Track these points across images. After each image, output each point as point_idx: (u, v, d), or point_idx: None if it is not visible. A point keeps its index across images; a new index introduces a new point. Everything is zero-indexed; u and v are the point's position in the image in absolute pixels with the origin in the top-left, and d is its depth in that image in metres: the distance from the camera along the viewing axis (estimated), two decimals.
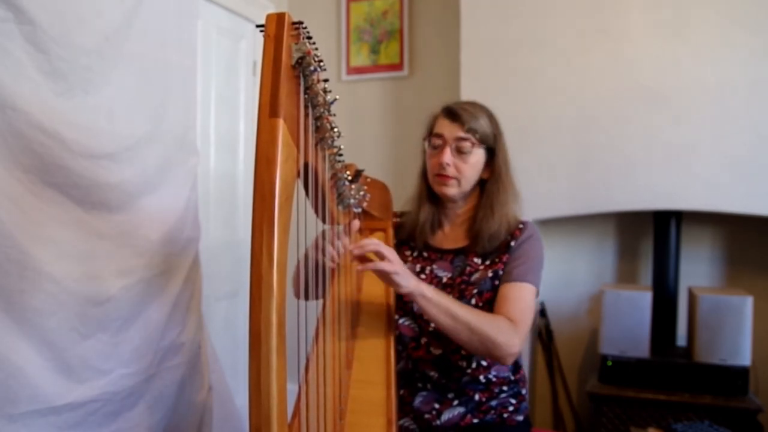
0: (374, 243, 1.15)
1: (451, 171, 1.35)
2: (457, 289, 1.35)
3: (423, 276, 1.39)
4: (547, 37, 2.36)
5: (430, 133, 1.40)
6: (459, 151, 1.35)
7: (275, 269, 0.70)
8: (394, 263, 1.14)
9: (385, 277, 1.15)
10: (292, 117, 0.77)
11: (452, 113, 1.37)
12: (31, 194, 1.24)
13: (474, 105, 1.41)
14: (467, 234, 1.40)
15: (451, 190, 1.37)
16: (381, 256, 1.14)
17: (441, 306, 1.18)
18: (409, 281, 1.16)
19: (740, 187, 2.14)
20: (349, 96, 2.94)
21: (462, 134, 1.34)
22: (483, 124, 1.36)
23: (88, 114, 1.35)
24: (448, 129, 1.36)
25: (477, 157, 1.37)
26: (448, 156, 1.34)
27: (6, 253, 1.18)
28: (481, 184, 1.42)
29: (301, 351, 0.95)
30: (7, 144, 1.19)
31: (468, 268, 1.36)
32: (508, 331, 1.22)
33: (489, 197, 1.38)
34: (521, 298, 1.28)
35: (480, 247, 1.36)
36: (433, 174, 1.39)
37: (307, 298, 1.23)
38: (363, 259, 1.17)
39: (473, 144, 1.35)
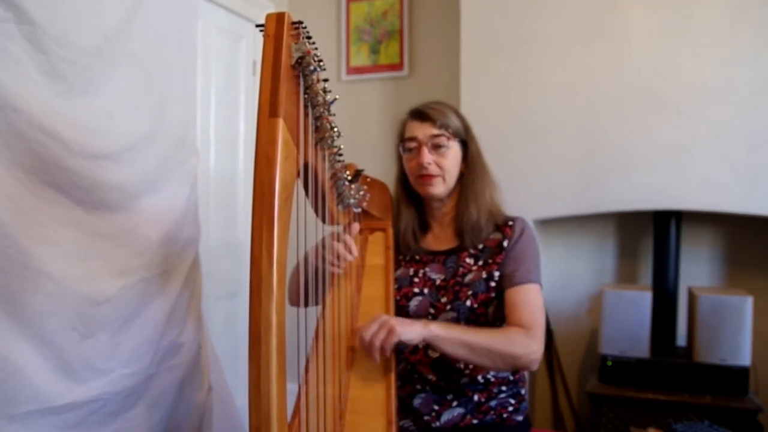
0: (371, 344, 1.13)
1: (433, 169, 1.36)
2: (452, 290, 1.35)
3: (417, 279, 1.39)
4: (547, 37, 2.36)
5: (403, 139, 1.41)
6: (436, 148, 1.36)
7: (275, 269, 0.70)
8: (393, 331, 1.12)
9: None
10: (291, 117, 0.77)
11: (421, 114, 1.38)
12: (31, 194, 1.24)
13: (438, 103, 1.42)
14: (456, 233, 1.41)
15: (438, 189, 1.38)
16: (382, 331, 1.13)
17: (455, 340, 1.19)
18: (416, 331, 1.15)
19: (740, 187, 2.14)
20: (349, 96, 2.94)
21: (435, 131, 1.35)
22: (453, 119, 1.38)
23: (88, 114, 1.35)
24: (420, 130, 1.37)
25: (454, 150, 1.38)
26: (427, 156, 1.35)
27: (6, 253, 1.18)
28: (461, 179, 1.42)
29: (301, 351, 0.95)
30: (7, 144, 1.19)
31: (461, 269, 1.36)
32: (524, 340, 1.23)
33: (466, 189, 1.39)
34: (529, 301, 1.29)
35: (468, 241, 1.37)
36: (415, 176, 1.39)
37: (306, 305, 1.23)
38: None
39: (448, 138, 1.36)
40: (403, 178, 1.45)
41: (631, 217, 2.54)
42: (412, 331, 1.15)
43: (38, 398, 1.25)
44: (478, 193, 1.38)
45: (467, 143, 1.40)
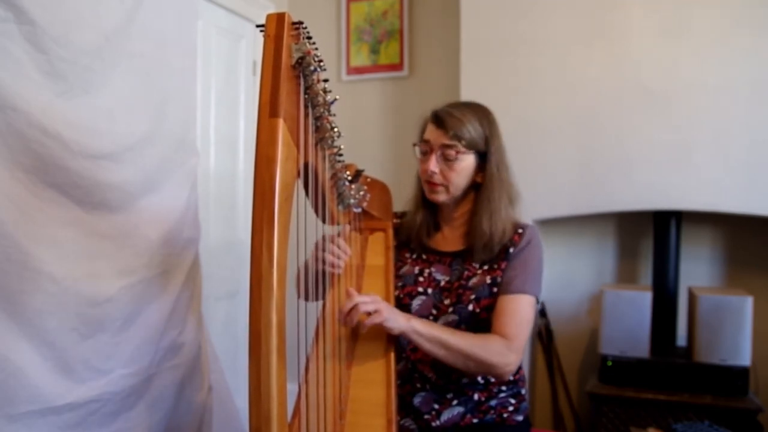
0: (355, 308, 1.14)
1: (437, 178, 1.34)
2: (455, 293, 1.34)
3: (422, 278, 1.39)
4: (547, 37, 2.36)
5: (420, 139, 1.40)
6: (445, 158, 1.33)
7: (275, 269, 0.70)
8: (381, 312, 1.16)
9: (378, 325, 1.18)
10: (292, 117, 0.77)
11: (438, 119, 1.35)
12: (31, 194, 1.24)
13: (464, 108, 1.37)
14: (465, 238, 1.40)
15: (440, 197, 1.37)
16: (367, 312, 1.15)
17: (433, 339, 1.21)
18: (399, 322, 1.19)
19: (740, 187, 2.14)
20: (349, 96, 2.94)
21: (447, 141, 1.32)
22: (470, 129, 1.32)
23: (88, 114, 1.35)
24: (434, 135, 1.35)
25: (465, 163, 1.34)
26: (433, 164, 1.33)
27: (6, 253, 1.18)
28: (477, 187, 1.39)
29: (301, 351, 0.95)
30: (7, 144, 1.19)
31: (466, 272, 1.36)
32: (502, 350, 1.23)
33: (482, 203, 1.35)
34: (518, 311, 1.28)
35: (477, 256, 1.35)
36: (423, 180, 1.39)
37: (307, 299, 1.24)
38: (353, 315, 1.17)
39: (458, 151, 1.32)
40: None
41: (631, 217, 2.54)
42: (396, 321, 1.18)
43: (38, 398, 1.25)
44: (494, 209, 1.34)
45: (487, 154, 1.35)
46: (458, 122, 1.32)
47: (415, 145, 1.42)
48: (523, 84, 2.40)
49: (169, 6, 1.63)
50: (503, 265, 1.34)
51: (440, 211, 1.44)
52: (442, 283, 1.37)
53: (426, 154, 1.37)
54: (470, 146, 1.33)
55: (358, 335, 1.29)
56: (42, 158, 1.25)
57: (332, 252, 1.25)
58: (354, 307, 1.14)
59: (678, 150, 2.20)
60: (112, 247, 1.44)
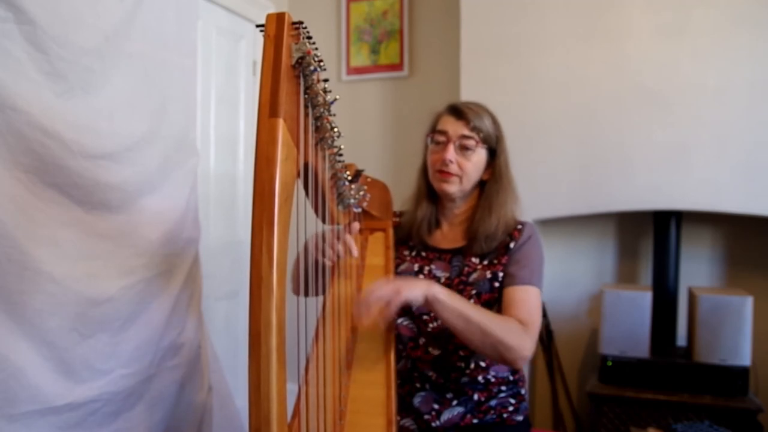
0: (373, 300, 1.11)
1: (453, 168, 1.35)
2: (456, 289, 1.34)
3: (422, 276, 1.39)
4: (547, 38, 2.36)
5: (434, 130, 1.41)
6: (462, 149, 1.35)
7: (275, 269, 0.70)
8: (399, 290, 1.11)
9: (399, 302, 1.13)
10: (292, 117, 0.77)
11: (457, 111, 1.38)
12: (31, 194, 1.24)
13: (478, 105, 1.42)
14: (465, 234, 1.40)
15: (452, 188, 1.37)
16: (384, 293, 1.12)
17: (455, 309, 1.16)
18: (420, 289, 1.13)
19: (740, 187, 2.14)
20: (349, 96, 2.94)
21: (467, 132, 1.35)
22: (487, 124, 1.37)
23: (88, 114, 1.35)
24: (452, 126, 1.36)
25: (479, 156, 1.37)
26: (451, 153, 1.35)
27: (6, 253, 1.18)
28: (481, 186, 1.42)
29: (301, 351, 0.95)
30: (7, 144, 1.19)
31: (466, 268, 1.36)
32: (520, 334, 1.21)
33: (488, 198, 1.39)
34: (528, 300, 1.28)
35: (477, 247, 1.36)
36: (434, 170, 1.39)
37: (306, 294, 1.23)
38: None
39: (477, 142, 1.35)
40: (426, 169, 1.44)
41: (631, 217, 2.54)
42: (416, 290, 1.13)
43: (38, 398, 1.25)
44: (501, 204, 1.37)
45: (496, 152, 1.39)
46: (477, 115, 1.36)
47: (428, 136, 1.42)
48: (523, 84, 2.40)
49: (169, 6, 1.64)
50: (503, 260, 1.34)
51: (441, 207, 1.45)
52: (443, 280, 1.37)
53: (441, 144, 1.38)
54: (485, 141, 1.37)
55: (358, 335, 1.29)
56: (42, 158, 1.25)
57: (334, 247, 1.24)
58: (377, 300, 1.11)
59: (678, 150, 2.20)
60: (112, 247, 1.44)
